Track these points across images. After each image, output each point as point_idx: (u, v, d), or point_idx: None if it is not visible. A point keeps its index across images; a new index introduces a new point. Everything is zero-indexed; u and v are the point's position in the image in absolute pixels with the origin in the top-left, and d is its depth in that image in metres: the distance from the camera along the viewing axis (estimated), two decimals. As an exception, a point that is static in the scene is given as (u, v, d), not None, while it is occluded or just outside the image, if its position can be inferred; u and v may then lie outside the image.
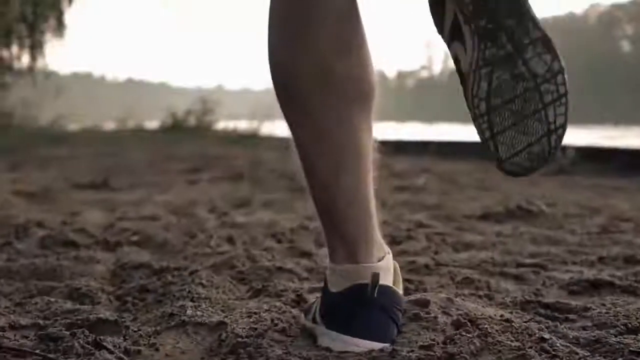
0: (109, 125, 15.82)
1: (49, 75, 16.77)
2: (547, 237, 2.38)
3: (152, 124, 15.28)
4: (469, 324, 1.30)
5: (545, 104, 1.35)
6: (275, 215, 3.12)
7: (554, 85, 1.35)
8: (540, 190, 4.57)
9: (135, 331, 1.30)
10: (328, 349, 1.30)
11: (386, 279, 1.37)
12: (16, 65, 16.37)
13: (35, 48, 16.53)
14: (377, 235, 1.43)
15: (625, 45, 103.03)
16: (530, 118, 1.36)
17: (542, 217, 2.85)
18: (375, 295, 1.33)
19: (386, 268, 1.39)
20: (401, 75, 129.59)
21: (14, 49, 16.56)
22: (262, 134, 11.73)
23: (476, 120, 1.37)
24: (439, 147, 8.32)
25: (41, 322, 1.38)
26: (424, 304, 1.42)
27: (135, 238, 2.27)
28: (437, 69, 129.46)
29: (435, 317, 1.33)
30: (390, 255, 1.42)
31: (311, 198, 1.42)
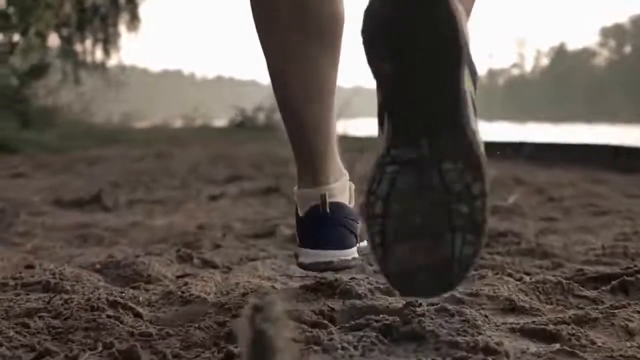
0: (178, 123, 14.98)
1: (123, 70, 16.21)
2: None
3: (221, 121, 14.43)
4: None
5: (454, 227, 1.16)
6: (289, 263, 2.04)
7: (467, 208, 1.16)
8: (677, 214, 3.32)
9: None
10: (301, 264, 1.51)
11: (340, 197, 1.55)
12: (90, 59, 15.86)
13: (109, 42, 15.96)
14: (337, 161, 1.58)
15: None
16: (432, 236, 1.17)
17: None
18: (328, 211, 1.50)
19: (341, 188, 1.56)
20: (492, 74, 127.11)
21: (88, 43, 16.06)
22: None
23: (368, 221, 1.20)
24: (535, 149, 7.07)
25: None
26: None
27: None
28: (528, 67, 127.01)
29: None
30: (347, 177, 1.60)
31: (285, 126, 1.56)
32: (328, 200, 1.51)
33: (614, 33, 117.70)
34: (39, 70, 10.42)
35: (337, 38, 1.49)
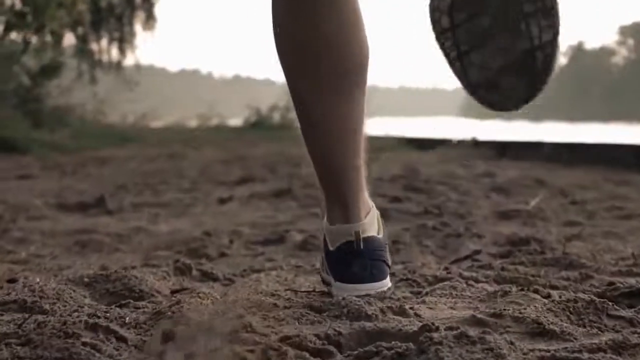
0: (193, 123, 14.84)
1: (139, 69, 16.11)
2: None
3: (237, 121, 14.30)
4: None
5: (525, 15, 1.14)
6: (296, 275, 1.91)
7: None
8: None
9: None
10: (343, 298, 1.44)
11: (371, 230, 1.55)
12: (105, 59, 15.75)
13: (125, 42, 15.87)
14: (365, 194, 1.57)
15: None
16: (506, 31, 1.15)
17: None
18: (362, 247, 1.52)
19: (371, 221, 1.56)
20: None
21: (104, 42, 15.94)
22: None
23: (439, 39, 1.22)
24: (554, 149, 6.89)
25: None
26: None
27: None
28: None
29: None
30: (374, 207, 1.59)
31: (312, 163, 1.55)
32: (362, 236, 1.52)
33: (632, 32, 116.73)
34: (52, 70, 10.30)
35: (364, 76, 1.48)
